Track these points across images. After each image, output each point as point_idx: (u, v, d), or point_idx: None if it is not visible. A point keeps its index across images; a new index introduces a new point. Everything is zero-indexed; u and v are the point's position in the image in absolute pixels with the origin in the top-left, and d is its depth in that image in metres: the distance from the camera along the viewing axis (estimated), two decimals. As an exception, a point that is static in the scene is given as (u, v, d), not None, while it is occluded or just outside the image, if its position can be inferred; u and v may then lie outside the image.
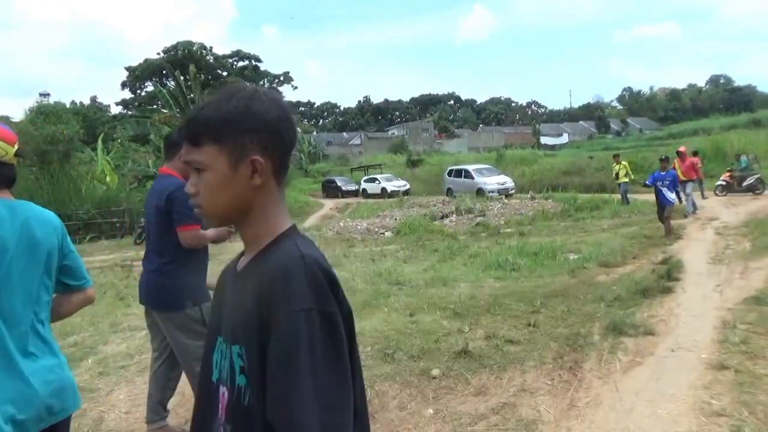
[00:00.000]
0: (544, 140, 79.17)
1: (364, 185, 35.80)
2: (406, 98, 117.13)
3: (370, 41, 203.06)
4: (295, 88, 65.40)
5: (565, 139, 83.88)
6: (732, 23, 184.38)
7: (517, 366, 4.38)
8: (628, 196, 17.07)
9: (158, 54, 51.99)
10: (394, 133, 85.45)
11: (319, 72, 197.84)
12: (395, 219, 17.59)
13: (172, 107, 22.75)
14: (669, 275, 7.11)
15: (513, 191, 24.80)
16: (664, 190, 10.44)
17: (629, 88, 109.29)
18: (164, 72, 32.20)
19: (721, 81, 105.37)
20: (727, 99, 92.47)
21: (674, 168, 12.99)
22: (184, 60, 49.85)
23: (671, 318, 5.42)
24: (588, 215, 15.51)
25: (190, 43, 52.38)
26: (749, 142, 27.40)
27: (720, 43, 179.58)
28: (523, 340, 4.95)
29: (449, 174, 28.36)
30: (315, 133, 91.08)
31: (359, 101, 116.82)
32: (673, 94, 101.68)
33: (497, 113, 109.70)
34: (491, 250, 10.17)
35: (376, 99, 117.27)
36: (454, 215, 18.06)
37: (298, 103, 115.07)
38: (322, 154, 63.95)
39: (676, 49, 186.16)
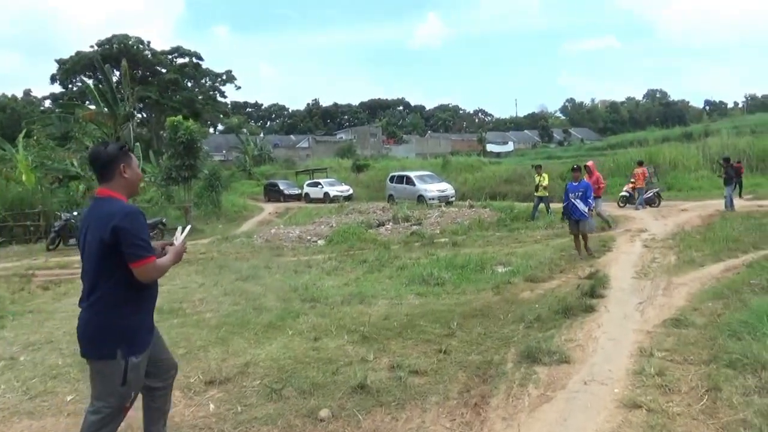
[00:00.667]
0: (490, 148, 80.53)
1: (306, 189, 35.06)
2: (355, 102, 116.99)
3: (322, 44, 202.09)
4: (239, 87, 63.86)
5: (510, 147, 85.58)
6: (668, 40, 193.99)
7: (417, 403, 3.91)
8: (546, 207, 17.08)
9: (92, 47, 49.36)
10: (342, 137, 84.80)
11: (269, 73, 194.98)
12: (330, 226, 17.01)
13: (99, 103, 21.38)
14: (593, 292, 6.87)
15: (453, 199, 24.65)
16: (577, 202, 9.79)
17: (572, 99, 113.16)
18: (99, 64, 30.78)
19: (657, 95, 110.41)
20: (662, 113, 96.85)
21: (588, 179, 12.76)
22: (119, 54, 47.68)
23: (589, 342, 5.10)
24: (523, 225, 15.40)
25: (126, 37, 49.83)
26: (680, 153, 28.36)
27: (657, 59, 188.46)
28: (430, 370, 4.49)
29: (391, 180, 28.01)
30: (262, 135, 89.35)
31: (308, 104, 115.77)
32: (613, 107, 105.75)
33: (445, 120, 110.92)
34: (419, 262, 9.76)
35: (326, 102, 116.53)
36: (391, 223, 17.65)
37: (245, 104, 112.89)
38: (269, 157, 62.49)
39: (617, 63, 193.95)
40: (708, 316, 5.43)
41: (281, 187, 37.88)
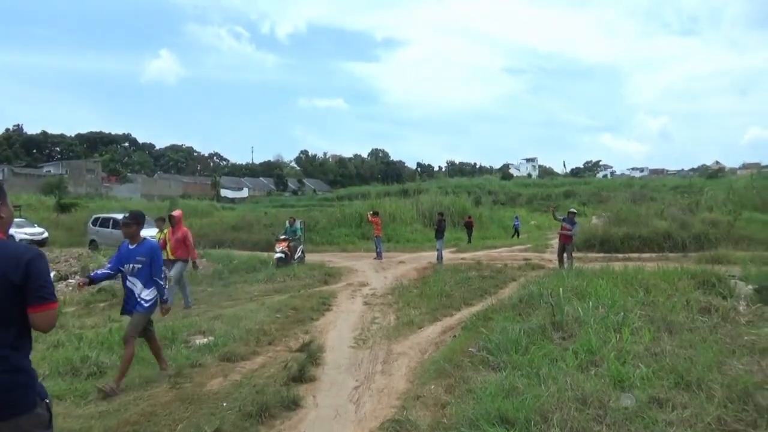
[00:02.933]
0: (224, 193, 77.91)
1: (-20, 231, 27.45)
2: (71, 133, 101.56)
3: (30, 63, 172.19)
4: None
5: (245, 193, 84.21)
6: (390, 109, 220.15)
7: None
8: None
9: None
10: (50, 171, 72.35)
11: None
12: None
13: None
14: (302, 373, 5.40)
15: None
16: (133, 283, 5.38)
17: (306, 151, 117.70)
18: None
19: (380, 154, 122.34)
20: (384, 170, 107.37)
21: (163, 240, 10.23)
22: None
23: (284, 469, 3.51)
24: (242, 278, 13.65)
25: None
26: (398, 207, 30.42)
27: (380, 124, 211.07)
28: None
29: (94, 223, 23.51)
30: (-64, 161, 70.59)
31: (8, 129, 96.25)
32: (342, 162, 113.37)
33: (177, 161, 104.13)
34: (83, 336, 7.07)
35: (32, 129, 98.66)
36: (79, 275, 14.10)
37: None
38: (-58, 189, 48.84)
39: (345, 123, 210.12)
40: (433, 411, 4.36)
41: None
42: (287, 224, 18.65)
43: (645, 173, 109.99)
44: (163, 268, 6.82)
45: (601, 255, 17.57)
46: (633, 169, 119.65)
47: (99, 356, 5.69)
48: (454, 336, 7.20)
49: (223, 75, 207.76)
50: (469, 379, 4.87)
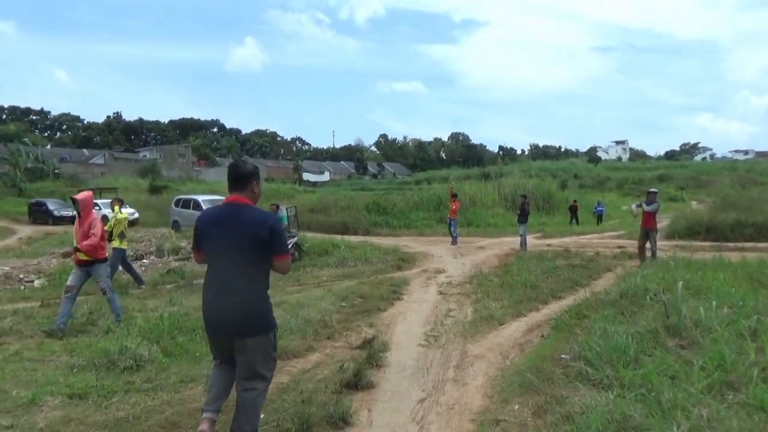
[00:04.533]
0: (306, 176, 79.12)
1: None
2: (164, 120, 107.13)
3: (128, 56, 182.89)
4: None
5: (326, 177, 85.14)
6: (470, 92, 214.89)
7: None
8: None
9: None
10: (146, 156, 76.50)
11: (62, 80, 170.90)
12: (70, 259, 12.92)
13: None
14: (359, 378, 4.57)
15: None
16: None
17: (385, 134, 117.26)
18: None
19: (460, 138, 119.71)
20: (464, 153, 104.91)
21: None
22: None
23: None
24: (312, 262, 13.10)
25: None
26: (479, 191, 29.02)
27: (460, 107, 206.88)
28: None
29: (176, 204, 24.02)
30: (49, 146, 76.37)
31: (108, 117, 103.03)
32: (421, 145, 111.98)
33: (262, 145, 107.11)
34: (133, 321, 6.62)
35: (130, 117, 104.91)
36: (153, 256, 14.16)
37: (28, 110, 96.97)
38: (54, 172, 52.90)
39: (425, 106, 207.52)
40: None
41: (50, 208, 31.52)
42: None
43: (750, 156, 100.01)
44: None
45: (708, 244, 15.51)
46: (736, 151, 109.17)
47: (139, 348, 5.11)
48: (542, 336, 6.09)
49: (304, 61, 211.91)
50: (565, 400, 3.80)
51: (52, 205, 32.19)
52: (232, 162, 3.33)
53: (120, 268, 10.46)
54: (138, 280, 10.41)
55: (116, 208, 10.56)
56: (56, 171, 53.90)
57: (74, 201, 7.06)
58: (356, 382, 4.51)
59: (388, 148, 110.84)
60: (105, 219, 25.90)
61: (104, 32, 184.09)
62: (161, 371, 4.86)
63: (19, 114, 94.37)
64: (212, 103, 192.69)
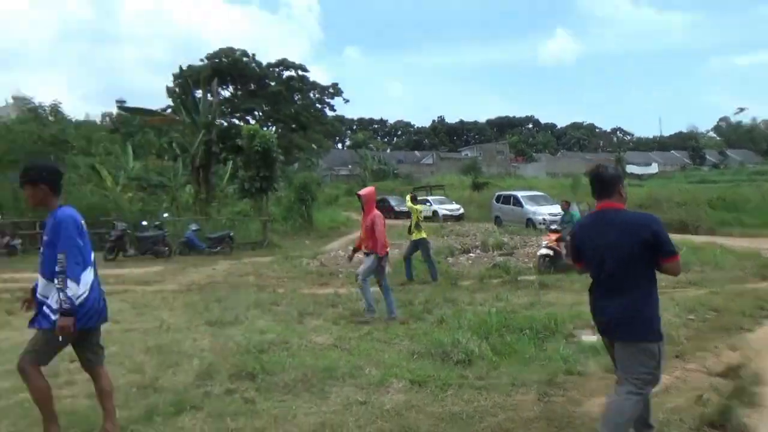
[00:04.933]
0: (630, 169, 72.67)
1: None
2: (482, 120, 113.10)
3: (448, 62, 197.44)
4: (347, 101, 62.21)
5: (654, 169, 76.76)
6: None
7: None
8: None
9: (201, 60, 49.57)
10: (467, 154, 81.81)
11: (396, 91, 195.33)
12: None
13: (181, 112, 20.86)
14: (727, 417, 3.63)
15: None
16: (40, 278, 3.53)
17: (726, 117, 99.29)
18: (207, 78, 30.35)
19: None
20: None
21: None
22: (229, 67, 48.47)
23: None
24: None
25: (232, 50, 49.56)
26: None
27: None
28: None
29: (497, 200, 24.72)
30: (388, 150, 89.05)
31: (433, 121, 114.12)
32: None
33: (579, 139, 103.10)
34: (464, 315, 6.82)
35: (451, 119, 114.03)
36: (479, 250, 14.72)
37: (371, 121, 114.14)
38: (393, 172, 61.35)
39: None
40: None
41: (392, 204, 36.28)
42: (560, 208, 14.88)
43: None
44: None
45: None
46: None
47: (469, 343, 5.18)
48: None
49: (621, 46, 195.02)
50: None
51: (393, 201, 36.99)
52: (593, 170, 3.33)
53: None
54: (434, 275, 10.83)
55: (410, 202, 11.71)
56: (395, 171, 62.02)
57: (359, 196, 7.78)
58: (722, 423, 3.61)
59: (732, 133, 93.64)
60: (435, 214, 28.09)
61: (427, 45, 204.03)
62: (492, 369, 4.81)
63: (364, 124, 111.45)
64: (527, 100, 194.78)
